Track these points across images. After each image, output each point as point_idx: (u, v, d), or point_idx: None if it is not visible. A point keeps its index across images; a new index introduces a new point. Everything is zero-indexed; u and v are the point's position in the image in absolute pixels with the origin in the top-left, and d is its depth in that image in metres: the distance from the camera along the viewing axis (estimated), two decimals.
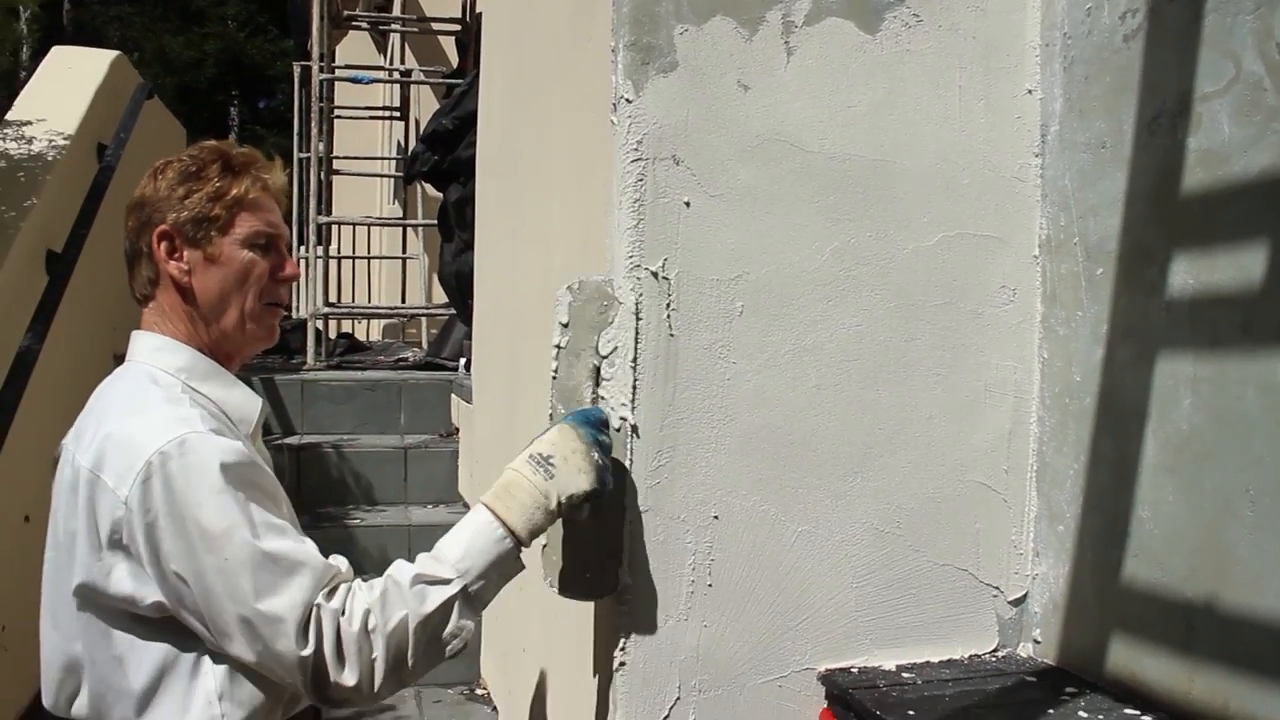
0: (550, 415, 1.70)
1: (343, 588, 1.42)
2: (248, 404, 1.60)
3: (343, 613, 1.39)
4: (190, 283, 1.55)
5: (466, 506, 3.83)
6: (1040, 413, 1.89)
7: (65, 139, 4.36)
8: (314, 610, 1.37)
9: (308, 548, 1.42)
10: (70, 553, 1.41)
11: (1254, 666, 1.47)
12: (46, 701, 1.48)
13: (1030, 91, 1.89)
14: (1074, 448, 1.80)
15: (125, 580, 1.38)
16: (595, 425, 1.61)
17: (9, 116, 4.57)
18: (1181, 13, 1.60)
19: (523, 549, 1.52)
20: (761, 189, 1.75)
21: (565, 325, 1.70)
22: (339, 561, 1.54)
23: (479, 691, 3.18)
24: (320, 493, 4.49)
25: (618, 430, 1.70)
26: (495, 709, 3.00)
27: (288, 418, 5.01)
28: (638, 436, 1.71)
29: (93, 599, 1.41)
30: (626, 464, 1.70)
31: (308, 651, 1.36)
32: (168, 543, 1.34)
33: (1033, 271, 1.89)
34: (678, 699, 1.74)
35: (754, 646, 1.77)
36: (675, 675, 1.73)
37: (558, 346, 1.70)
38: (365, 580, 1.46)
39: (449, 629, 1.45)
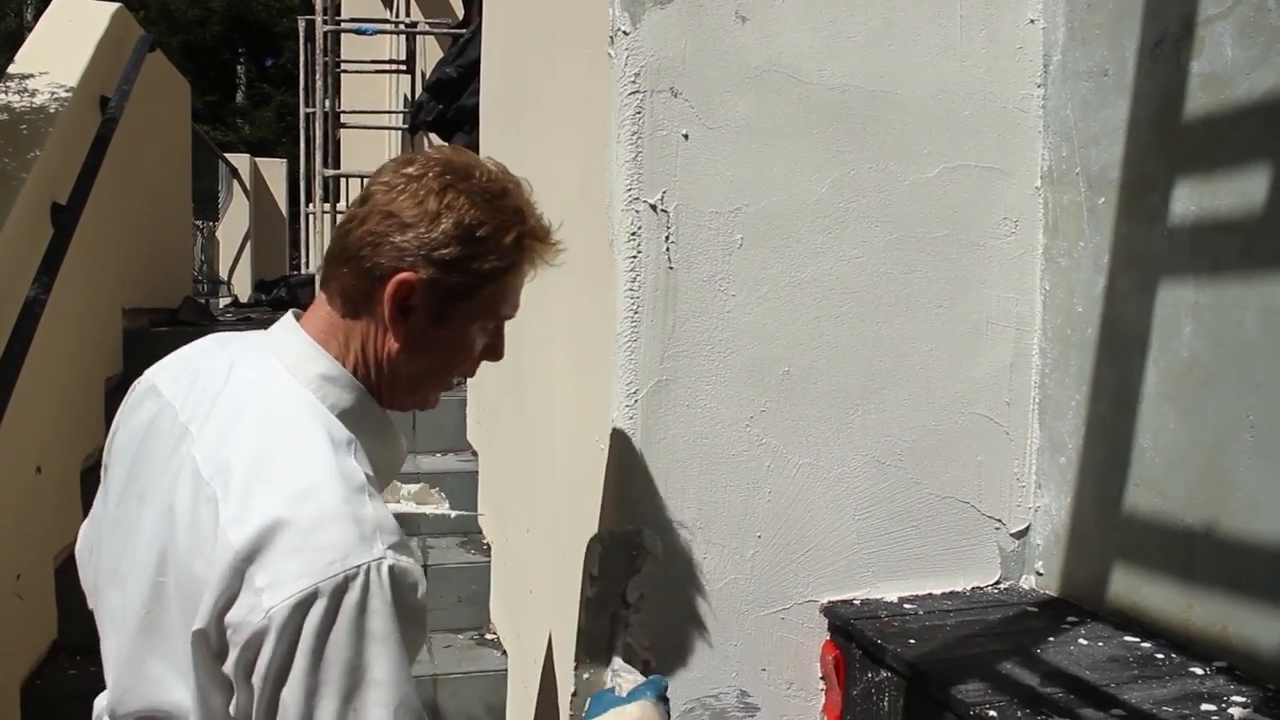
0: (576, 665, 1.59)
1: None
2: (394, 460, 1.36)
3: None
4: (402, 352, 1.25)
5: (475, 454, 3.84)
6: (1042, 344, 1.88)
7: (68, 91, 4.33)
8: None
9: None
10: (190, 591, 1.12)
11: (1252, 590, 1.48)
12: (105, 703, 1.25)
13: (1032, 21, 1.87)
14: (1076, 379, 1.80)
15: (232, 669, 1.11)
16: (664, 699, 1.48)
17: (11, 70, 4.55)
18: None
19: None
20: (760, 121, 1.74)
21: (595, 577, 1.61)
22: None
23: (489, 636, 3.21)
24: None
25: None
26: (505, 653, 3.02)
27: None
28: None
29: (209, 655, 1.11)
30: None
31: None
32: (296, 672, 1.08)
33: (1034, 202, 1.87)
34: (682, 631, 1.75)
35: (757, 579, 1.78)
36: (678, 607, 1.74)
37: (587, 599, 1.61)
38: None
39: None
